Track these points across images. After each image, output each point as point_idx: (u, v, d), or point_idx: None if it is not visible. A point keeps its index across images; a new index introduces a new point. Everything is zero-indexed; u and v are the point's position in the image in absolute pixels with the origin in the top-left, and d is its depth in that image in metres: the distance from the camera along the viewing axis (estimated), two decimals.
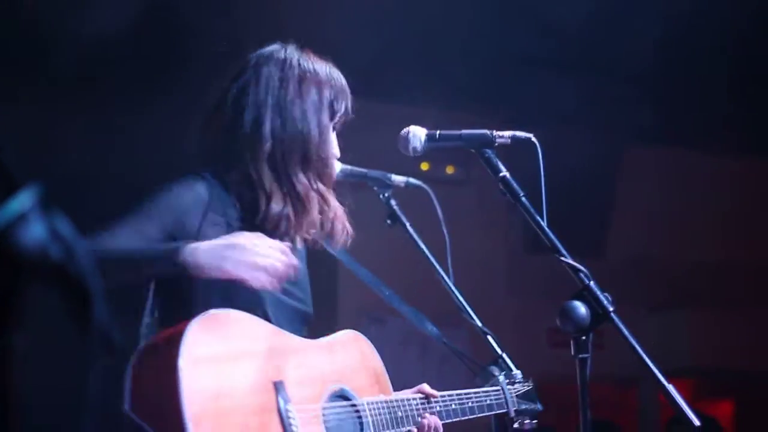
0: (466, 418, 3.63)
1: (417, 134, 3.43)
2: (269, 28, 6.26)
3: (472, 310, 3.87)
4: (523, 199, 3.12)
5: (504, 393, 3.72)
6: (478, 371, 3.81)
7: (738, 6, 6.66)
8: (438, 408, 3.54)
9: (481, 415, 3.67)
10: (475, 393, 3.69)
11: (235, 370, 2.98)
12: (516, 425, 3.74)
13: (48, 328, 2.97)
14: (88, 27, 5.70)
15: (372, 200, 4.01)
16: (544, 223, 3.07)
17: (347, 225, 3.48)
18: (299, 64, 3.38)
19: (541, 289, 6.90)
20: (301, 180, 3.30)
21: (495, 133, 3.25)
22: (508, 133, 3.24)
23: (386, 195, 3.97)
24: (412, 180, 3.99)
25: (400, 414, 3.40)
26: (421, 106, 6.65)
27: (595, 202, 8.40)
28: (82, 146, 6.04)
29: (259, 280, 3.02)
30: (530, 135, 3.20)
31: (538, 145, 3.17)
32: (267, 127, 3.29)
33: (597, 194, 8.42)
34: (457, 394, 3.63)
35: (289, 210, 3.29)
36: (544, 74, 7.09)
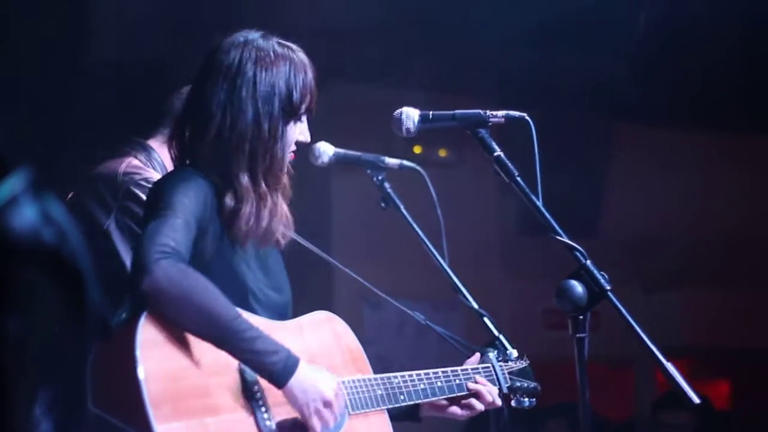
0: (454, 395, 3.59)
1: (410, 115, 3.42)
2: (258, 8, 6.28)
3: (468, 291, 3.86)
4: (518, 178, 3.11)
5: (494, 370, 3.69)
6: (469, 351, 3.79)
7: None
8: (423, 386, 3.48)
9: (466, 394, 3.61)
10: (463, 370, 3.65)
11: (197, 351, 2.97)
12: (513, 403, 3.72)
13: (42, 311, 2.97)
14: None
15: (366, 184, 4.00)
16: (539, 203, 3.07)
17: (287, 225, 3.31)
18: (257, 53, 3.24)
19: (536, 270, 6.89)
20: (242, 180, 3.17)
21: (488, 112, 3.24)
22: (501, 113, 3.23)
23: (380, 178, 3.98)
24: (406, 162, 4.00)
25: (380, 392, 3.35)
26: (413, 89, 6.63)
27: (588, 182, 8.39)
28: None
29: (313, 427, 3.08)
30: (524, 114, 3.19)
31: (532, 123, 3.16)
32: (214, 124, 3.18)
33: (590, 174, 8.41)
34: (443, 372, 3.58)
35: (232, 204, 3.17)
36: (536, 53, 7.07)
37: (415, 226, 3.89)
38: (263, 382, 3.05)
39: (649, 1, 6.77)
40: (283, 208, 3.29)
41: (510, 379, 3.72)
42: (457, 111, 3.30)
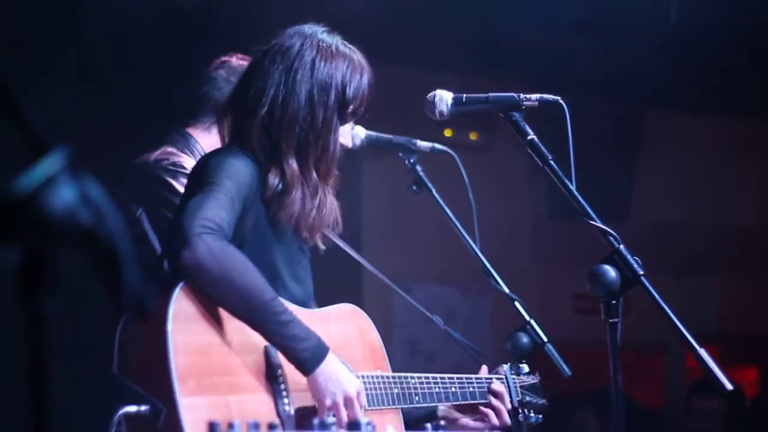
0: (467, 402, 3.58)
1: (444, 98, 3.40)
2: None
3: (499, 275, 3.85)
4: (552, 162, 3.10)
5: (507, 382, 3.67)
6: (484, 361, 3.76)
7: None
8: (438, 389, 3.48)
9: (482, 402, 3.61)
10: (477, 378, 3.64)
11: (226, 328, 2.98)
12: (521, 417, 3.68)
13: (80, 292, 2.99)
14: None
15: (395, 168, 4.00)
16: (572, 187, 3.05)
17: (332, 221, 3.30)
18: (320, 43, 3.25)
19: (566, 255, 6.88)
20: (291, 164, 3.17)
21: (522, 95, 3.23)
22: (535, 96, 3.22)
23: (412, 161, 3.97)
24: (437, 145, 3.99)
25: (396, 391, 3.35)
26: (443, 71, 6.62)
27: (618, 167, 8.35)
28: None
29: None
30: (557, 97, 3.18)
31: (565, 107, 3.14)
32: (267, 99, 3.18)
33: (621, 159, 8.38)
34: (458, 378, 3.57)
35: (278, 187, 3.17)
36: (565, 39, 7.04)
37: (447, 210, 3.88)
38: (286, 367, 3.06)
39: None
40: (333, 203, 3.29)
41: (521, 393, 3.72)
42: (490, 94, 3.29)
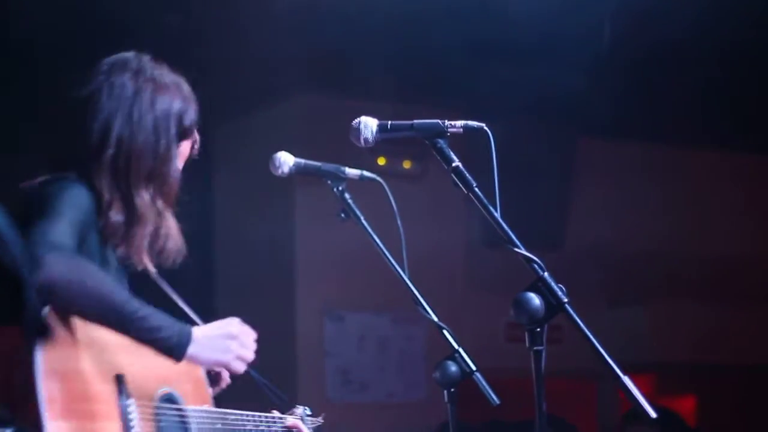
0: None
1: (368, 124, 3.39)
2: (219, 25, 6.27)
3: (428, 304, 3.83)
4: (476, 189, 3.09)
5: (303, 424, 3.85)
6: (282, 403, 3.87)
7: None
8: (250, 426, 3.61)
9: None
10: (280, 417, 3.79)
11: (88, 355, 3.07)
12: None
13: None
14: None
15: (330, 194, 3.98)
16: (497, 214, 3.04)
17: (180, 244, 3.43)
18: (152, 75, 3.37)
19: (499, 283, 6.87)
20: (142, 195, 3.30)
21: (447, 122, 3.22)
22: (460, 123, 3.21)
23: (340, 188, 3.94)
24: (366, 173, 3.96)
25: (219, 425, 3.46)
26: (377, 99, 6.63)
27: (552, 194, 8.40)
28: None
29: (239, 369, 3.25)
30: (482, 124, 3.17)
31: (490, 134, 3.14)
32: (113, 137, 3.29)
33: (554, 186, 8.42)
34: (266, 416, 3.72)
35: (123, 221, 3.28)
36: (498, 66, 7.08)
37: (375, 237, 3.85)
38: (136, 394, 3.15)
39: (613, 16, 6.79)
40: (176, 227, 3.42)
41: None
42: (415, 121, 3.28)
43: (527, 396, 3.17)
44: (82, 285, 2.98)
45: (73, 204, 3.14)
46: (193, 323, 3.36)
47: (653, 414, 2.80)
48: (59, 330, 3.00)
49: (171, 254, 3.41)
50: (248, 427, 3.61)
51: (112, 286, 3.06)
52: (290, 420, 3.83)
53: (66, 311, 3.02)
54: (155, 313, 3.09)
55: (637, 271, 8.89)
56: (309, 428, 3.89)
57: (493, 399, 3.74)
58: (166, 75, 3.41)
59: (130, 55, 3.41)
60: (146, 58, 3.41)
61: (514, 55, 6.91)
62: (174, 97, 3.38)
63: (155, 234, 3.33)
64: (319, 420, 3.99)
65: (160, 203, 3.33)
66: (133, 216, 3.29)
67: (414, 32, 6.72)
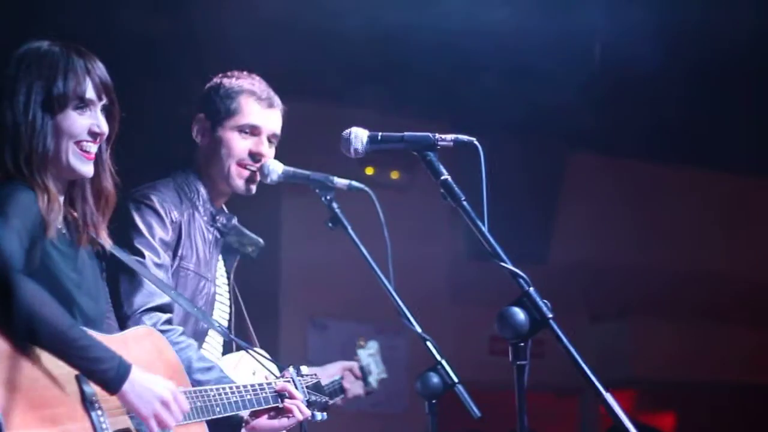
0: (263, 407, 3.77)
1: (359, 135, 3.41)
2: (213, 30, 6.28)
3: (412, 315, 3.84)
4: (464, 203, 3.11)
5: (294, 383, 3.87)
6: (271, 365, 3.94)
7: (680, 11, 6.72)
8: (235, 398, 3.64)
9: (275, 406, 3.80)
10: (268, 384, 3.82)
11: (40, 362, 3.05)
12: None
13: None
14: None
15: (317, 203, 3.98)
16: (484, 228, 3.06)
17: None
18: (26, 58, 3.31)
19: (484, 296, 6.88)
20: (24, 173, 3.23)
21: (437, 136, 3.24)
22: (450, 137, 3.23)
23: (328, 198, 3.96)
24: (354, 183, 3.97)
25: (199, 404, 3.48)
26: (368, 109, 6.64)
27: (538, 209, 8.42)
28: None
29: (152, 428, 3.20)
30: (473, 138, 3.19)
31: (480, 148, 3.16)
32: (6, 125, 3.26)
33: (540, 201, 8.45)
34: (251, 386, 3.74)
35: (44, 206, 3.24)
36: (487, 81, 7.10)
37: (362, 247, 3.86)
38: (100, 393, 3.14)
39: (603, 32, 6.81)
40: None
41: (307, 392, 3.96)
42: (406, 133, 3.30)
43: (509, 410, 3.19)
44: (29, 308, 2.99)
45: (19, 210, 3.13)
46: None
47: (634, 431, 2.82)
48: (4, 342, 2.97)
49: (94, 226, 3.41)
50: (233, 399, 3.63)
51: (54, 312, 3.05)
52: (279, 383, 3.84)
53: (12, 330, 3.00)
54: (96, 344, 3.10)
55: (620, 287, 8.91)
56: (301, 387, 3.90)
57: (474, 411, 3.75)
58: (43, 51, 3.33)
59: (32, 44, 3.37)
60: (39, 42, 3.36)
61: (505, 69, 6.92)
62: (42, 71, 3.28)
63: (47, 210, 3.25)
64: (315, 377, 4.02)
65: (41, 178, 3.23)
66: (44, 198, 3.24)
67: (402, 44, 6.73)
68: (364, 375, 4.76)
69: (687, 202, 9.22)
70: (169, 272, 3.98)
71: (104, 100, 3.36)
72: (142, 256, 3.90)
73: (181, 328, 3.90)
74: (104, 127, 3.34)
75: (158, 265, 3.93)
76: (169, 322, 3.88)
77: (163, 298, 3.86)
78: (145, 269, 3.84)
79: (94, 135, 3.33)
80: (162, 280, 3.86)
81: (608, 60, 7.03)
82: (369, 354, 4.78)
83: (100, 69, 3.36)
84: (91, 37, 3.56)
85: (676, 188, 9.22)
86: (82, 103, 3.31)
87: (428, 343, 3.77)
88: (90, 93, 3.32)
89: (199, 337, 4.07)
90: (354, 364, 4.73)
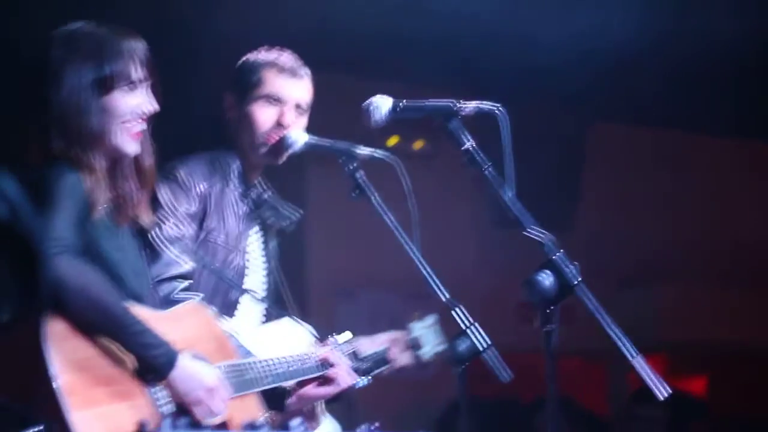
0: (309, 376, 3.91)
1: (380, 105, 3.41)
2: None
3: (441, 283, 3.84)
4: (488, 170, 3.10)
5: (336, 351, 4.05)
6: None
7: None
8: (282, 370, 3.77)
9: (320, 374, 3.95)
10: (312, 354, 3.95)
11: (100, 341, 3.16)
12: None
13: None
14: None
15: (341, 173, 3.98)
16: (510, 195, 3.05)
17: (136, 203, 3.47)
18: (73, 40, 3.37)
19: (511, 263, 6.87)
20: (70, 155, 3.27)
21: (460, 103, 3.22)
22: (472, 104, 3.22)
23: (352, 167, 3.94)
24: (378, 152, 3.96)
25: (248, 376, 3.59)
26: (390, 79, 6.61)
27: (564, 177, 8.39)
28: None
29: (199, 416, 3.29)
30: (496, 106, 3.17)
31: (503, 115, 3.14)
32: (53, 106, 3.29)
33: (566, 169, 8.41)
34: (295, 356, 3.87)
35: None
36: (513, 48, 7.05)
37: (386, 216, 3.85)
38: None
39: (623, 2, 6.77)
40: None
41: (349, 359, 4.12)
42: (428, 101, 3.29)
43: (537, 376, 3.19)
44: (84, 292, 3.08)
45: (69, 192, 3.17)
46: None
47: (664, 395, 2.82)
48: (63, 323, 3.07)
49: (125, 211, 3.45)
50: (279, 371, 3.74)
51: (111, 297, 3.16)
52: (321, 353, 3.96)
53: (68, 314, 3.10)
54: (147, 330, 3.20)
55: (646, 252, 8.88)
56: (344, 354, 4.05)
57: (503, 375, 3.74)
58: (89, 34, 3.39)
59: (73, 25, 3.43)
60: (81, 24, 3.42)
61: (527, 40, 6.88)
62: (90, 53, 3.34)
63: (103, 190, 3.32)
64: (354, 345, 4.17)
65: (90, 158, 3.28)
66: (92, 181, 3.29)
67: (426, 15, 6.70)
68: (415, 346, 4.74)
69: (712, 171, 9.17)
70: (193, 243, 4.01)
71: (149, 80, 3.42)
72: (161, 227, 3.94)
73: (198, 296, 3.93)
74: (155, 106, 3.42)
75: (177, 238, 3.96)
76: (187, 289, 3.92)
77: (180, 268, 3.91)
78: (164, 240, 3.90)
79: (143, 114, 3.39)
80: (187, 251, 3.93)
81: (628, 29, 6.97)
82: (424, 326, 4.79)
83: (144, 49, 3.43)
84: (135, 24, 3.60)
85: (703, 157, 9.17)
86: (131, 83, 3.37)
87: (457, 310, 3.77)
88: (137, 73, 3.38)
89: (230, 307, 4.10)
90: (401, 335, 4.72)
